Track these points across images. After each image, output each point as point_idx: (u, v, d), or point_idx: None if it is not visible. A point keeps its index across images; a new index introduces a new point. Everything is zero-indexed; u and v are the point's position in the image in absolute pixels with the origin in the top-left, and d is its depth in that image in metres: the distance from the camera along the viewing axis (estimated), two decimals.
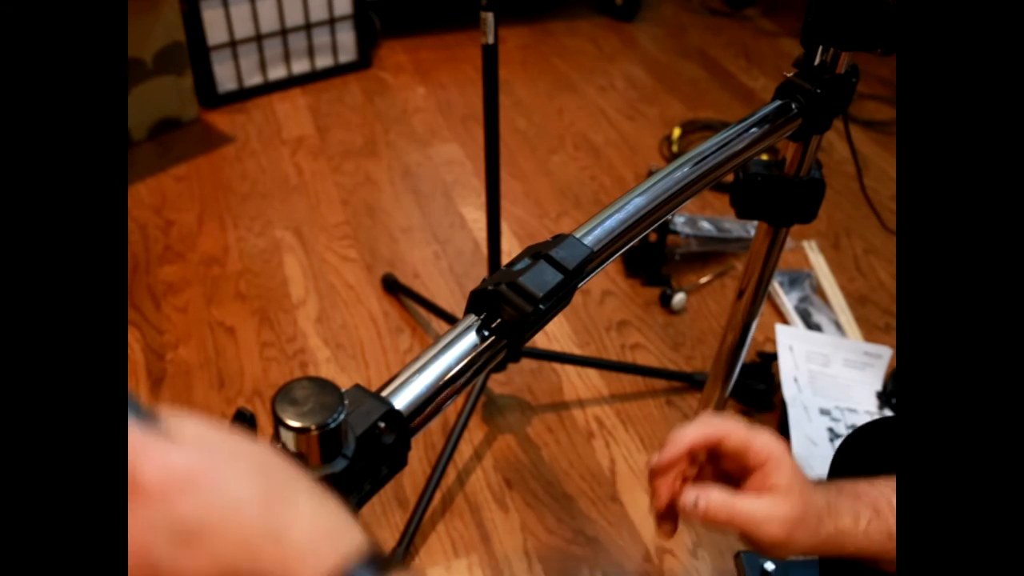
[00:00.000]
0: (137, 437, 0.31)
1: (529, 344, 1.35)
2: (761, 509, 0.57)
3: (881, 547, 0.59)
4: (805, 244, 1.79)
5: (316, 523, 0.31)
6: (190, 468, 0.30)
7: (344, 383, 0.45)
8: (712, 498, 0.57)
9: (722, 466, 0.62)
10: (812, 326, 1.57)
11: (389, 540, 1.20)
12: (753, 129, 0.79)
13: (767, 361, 1.45)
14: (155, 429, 0.32)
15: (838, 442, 1.07)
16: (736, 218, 0.99)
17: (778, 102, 0.85)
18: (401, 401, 0.51)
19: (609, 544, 1.22)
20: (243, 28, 2.10)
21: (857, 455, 0.78)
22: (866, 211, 1.81)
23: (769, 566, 1.13)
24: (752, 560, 1.15)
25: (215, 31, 2.07)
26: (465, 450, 1.34)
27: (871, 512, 0.59)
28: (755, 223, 1.06)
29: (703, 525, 0.59)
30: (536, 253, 0.58)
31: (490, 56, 1.12)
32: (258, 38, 2.14)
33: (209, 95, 2.14)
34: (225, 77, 2.14)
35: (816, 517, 0.58)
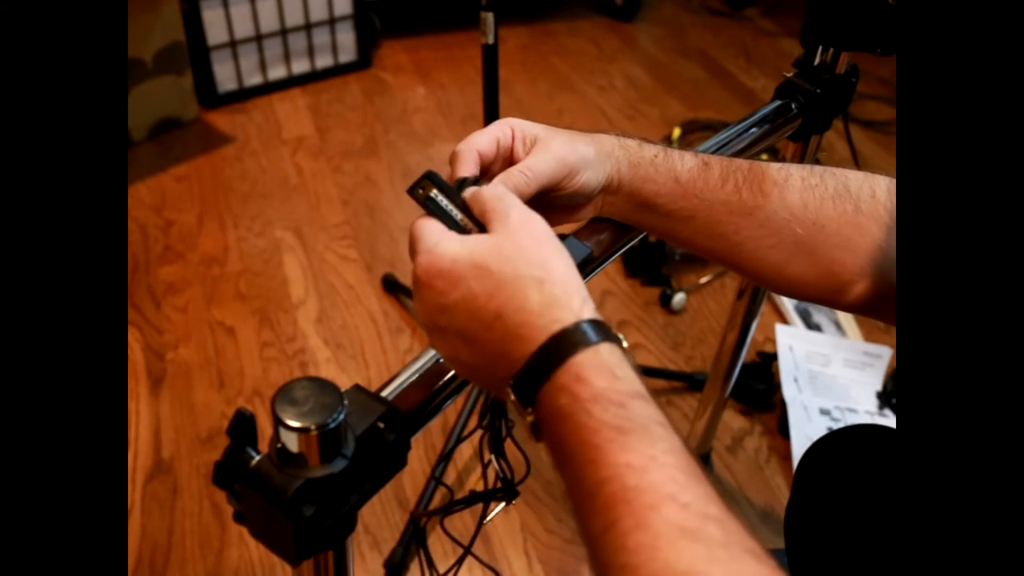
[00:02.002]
0: (431, 234, 0.47)
1: None
2: (536, 155, 0.57)
3: (666, 186, 0.62)
4: None
5: (532, 306, 0.44)
6: (446, 269, 0.45)
7: (344, 383, 0.45)
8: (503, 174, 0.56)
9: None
10: (812, 326, 1.58)
11: (389, 540, 1.20)
12: (753, 129, 0.79)
13: (767, 361, 1.45)
14: (462, 215, 0.49)
15: None
16: None
17: (778, 102, 0.85)
18: (401, 401, 0.51)
19: None
20: (243, 28, 2.10)
21: (819, 467, 0.77)
22: None
23: None
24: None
25: (215, 31, 2.07)
26: (465, 450, 1.34)
27: (660, 150, 0.63)
28: None
29: None
30: None
31: (490, 56, 1.12)
32: (258, 38, 2.14)
33: (209, 95, 2.14)
34: (225, 77, 2.14)
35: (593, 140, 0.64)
